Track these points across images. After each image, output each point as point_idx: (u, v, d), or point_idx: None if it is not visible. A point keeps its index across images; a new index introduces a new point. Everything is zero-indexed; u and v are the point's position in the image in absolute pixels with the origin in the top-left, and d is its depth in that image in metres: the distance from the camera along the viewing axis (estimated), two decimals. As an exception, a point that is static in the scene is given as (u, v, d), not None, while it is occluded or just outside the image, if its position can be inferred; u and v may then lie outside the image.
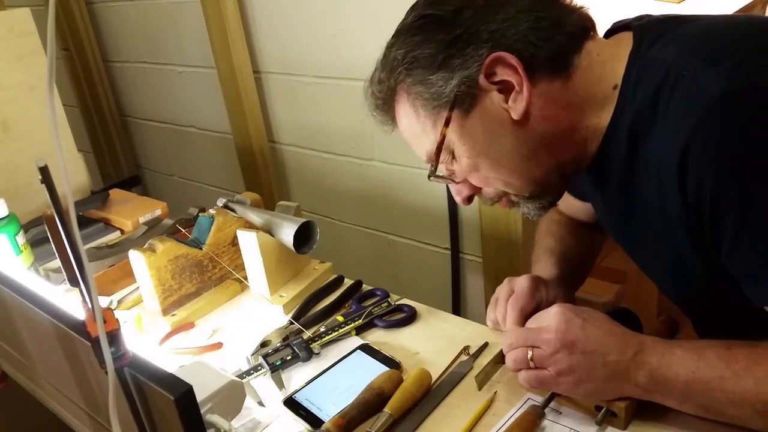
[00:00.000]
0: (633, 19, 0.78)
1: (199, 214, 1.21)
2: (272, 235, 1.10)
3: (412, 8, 0.77)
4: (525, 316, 0.86)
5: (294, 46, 1.73)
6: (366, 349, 0.99)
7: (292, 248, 1.07)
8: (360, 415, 0.84)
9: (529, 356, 0.77)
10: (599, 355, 0.73)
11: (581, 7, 0.76)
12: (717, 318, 0.83)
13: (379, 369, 0.93)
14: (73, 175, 1.62)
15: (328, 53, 1.66)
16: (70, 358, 0.70)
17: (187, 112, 2.19)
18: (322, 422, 0.84)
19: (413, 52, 0.75)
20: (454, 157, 0.79)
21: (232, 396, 0.79)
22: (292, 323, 1.08)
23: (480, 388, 0.88)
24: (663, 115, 0.67)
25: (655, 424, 0.77)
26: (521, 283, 0.90)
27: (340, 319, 1.06)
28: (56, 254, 1.24)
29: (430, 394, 0.88)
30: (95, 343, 0.53)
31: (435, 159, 0.79)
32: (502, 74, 0.72)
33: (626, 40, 0.75)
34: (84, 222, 1.45)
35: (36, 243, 1.36)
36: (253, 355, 1.01)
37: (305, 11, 1.65)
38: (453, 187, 0.84)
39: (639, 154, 0.73)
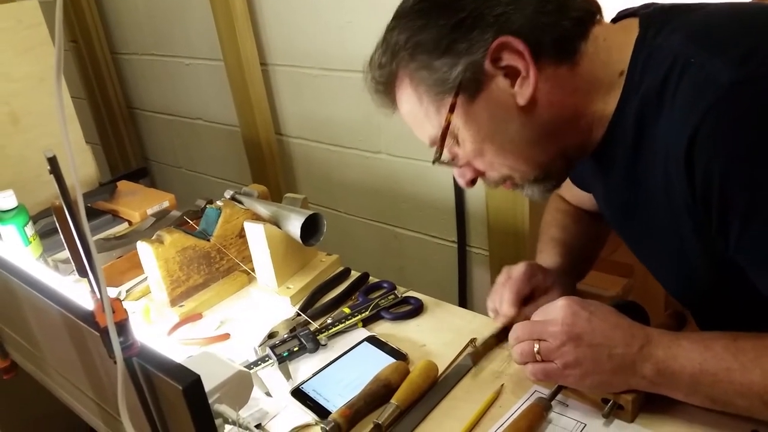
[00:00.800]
0: (639, 7, 0.77)
1: (207, 206, 1.22)
2: (279, 227, 1.10)
3: None
4: (520, 299, 0.88)
5: (301, 38, 1.73)
6: (373, 340, 1.00)
7: (299, 240, 1.07)
8: (367, 406, 0.85)
9: (535, 349, 0.77)
10: (605, 348, 0.73)
11: None
12: (717, 311, 0.82)
13: (385, 361, 0.93)
14: (81, 167, 1.63)
15: (335, 45, 1.65)
16: (79, 348, 0.71)
17: (194, 105, 2.20)
18: (329, 413, 0.84)
19: (416, 37, 0.73)
20: (458, 141, 0.78)
21: (240, 386, 0.80)
22: (299, 315, 1.09)
23: (474, 364, 0.88)
24: (670, 103, 0.67)
25: (662, 417, 0.77)
26: (517, 268, 0.92)
27: (347, 311, 1.06)
28: (65, 245, 1.25)
29: (437, 386, 0.88)
30: (104, 333, 0.54)
31: (440, 145, 0.77)
32: (509, 59, 0.71)
33: (633, 26, 0.74)
34: (92, 213, 1.46)
35: (45, 234, 1.36)
36: (260, 346, 1.01)
37: (312, 3, 1.65)
38: (456, 170, 0.83)
39: (645, 142, 0.72)
